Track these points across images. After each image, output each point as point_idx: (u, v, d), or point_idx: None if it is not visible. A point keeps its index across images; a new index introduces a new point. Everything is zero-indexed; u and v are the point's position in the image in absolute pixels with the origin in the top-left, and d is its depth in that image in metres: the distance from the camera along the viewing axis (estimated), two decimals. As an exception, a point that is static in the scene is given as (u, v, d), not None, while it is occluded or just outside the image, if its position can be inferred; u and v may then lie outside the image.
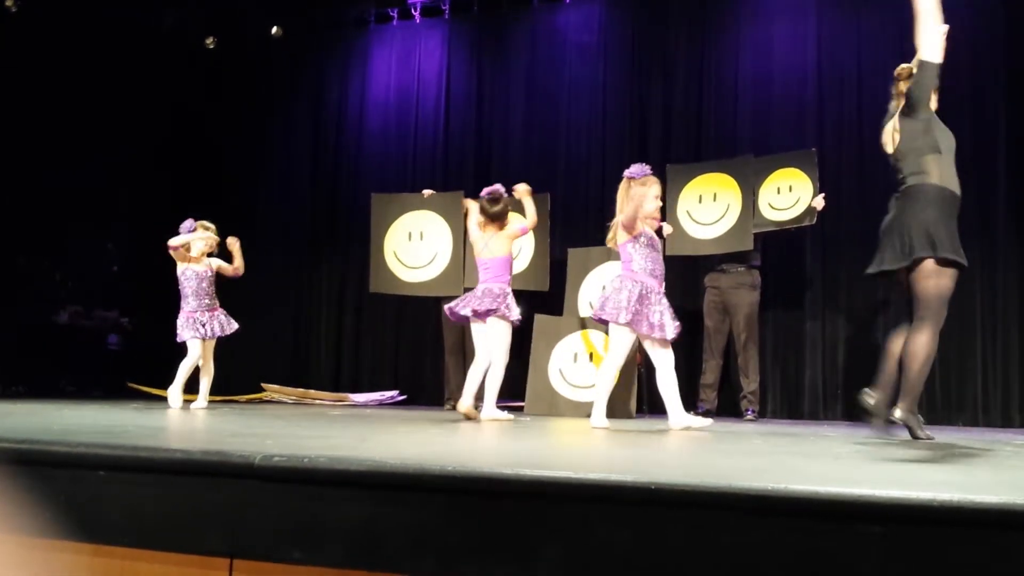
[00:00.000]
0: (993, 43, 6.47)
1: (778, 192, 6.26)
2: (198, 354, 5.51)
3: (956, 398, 6.36)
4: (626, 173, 4.41)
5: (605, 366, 4.37)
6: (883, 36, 6.80)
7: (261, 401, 7.35)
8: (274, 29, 8.52)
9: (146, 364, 7.83)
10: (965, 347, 6.27)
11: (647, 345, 4.28)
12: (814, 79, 7.04)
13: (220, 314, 5.63)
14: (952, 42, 5.53)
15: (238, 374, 8.05)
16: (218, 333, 5.57)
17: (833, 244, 6.76)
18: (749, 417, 6.10)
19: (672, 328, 4.22)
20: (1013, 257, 6.24)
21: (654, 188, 4.38)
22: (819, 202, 6.01)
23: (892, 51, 6.71)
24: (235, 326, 5.67)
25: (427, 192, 7.05)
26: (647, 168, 4.43)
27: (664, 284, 4.38)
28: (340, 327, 8.48)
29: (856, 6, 6.96)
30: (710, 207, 6.39)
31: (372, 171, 8.48)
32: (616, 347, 4.32)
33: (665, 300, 4.30)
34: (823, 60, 7.04)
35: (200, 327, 5.51)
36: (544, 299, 6.60)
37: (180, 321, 5.55)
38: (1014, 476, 2.13)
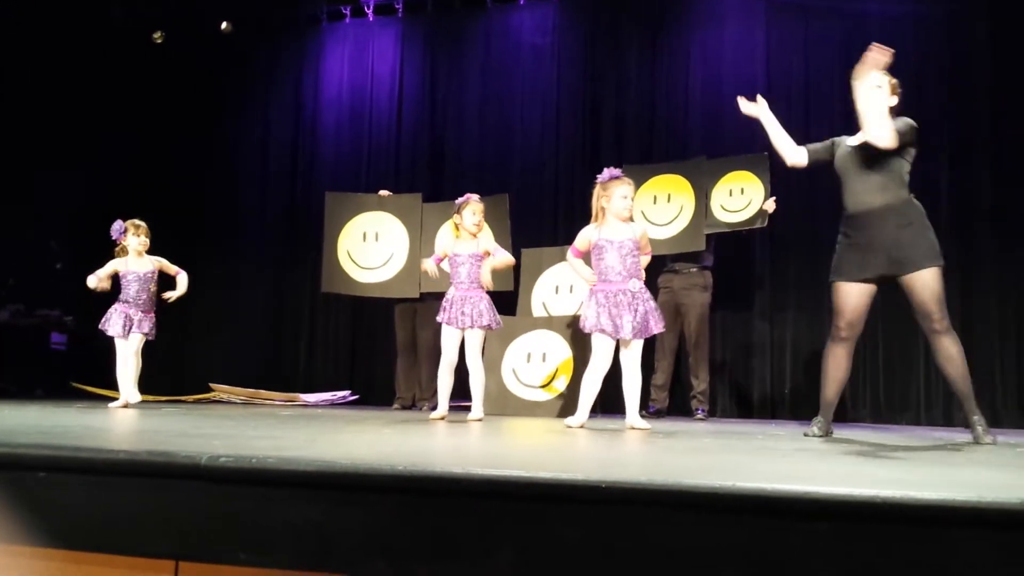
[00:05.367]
0: (974, 46, 6.61)
1: (730, 194, 6.35)
2: (127, 351, 5.47)
3: (900, 398, 6.51)
4: (598, 177, 4.47)
5: (588, 372, 4.39)
6: (829, 43, 6.94)
7: (209, 401, 7.24)
8: (224, 24, 8.39)
9: (90, 363, 7.66)
10: (908, 348, 6.41)
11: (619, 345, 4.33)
12: (763, 84, 7.13)
13: (151, 318, 5.56)
14: (933, 45, 5.65)
15: (188, 374, 7.93)
16: (142, 332, 5.48)
17: (782, 246, 6.87)
18: (699, 416, 6.16)
19: (630, 328, 4.26)
20: (952, 259, 6.37)
21: (619, 189, 4.40)
22: (770, 205, 6.10)
23: (838, 57, 6.88)
24: (153, 337, 5.60)
25: (384, 193, 7.00)
26: (614, 171, 4.46)
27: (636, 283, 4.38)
28: (293, 326, 8.39)
29: (804, 14, 7.08)
30: (664, 208, 6.45)
31: (325, 170, 8.41)
32: (595, 354, 4.35)
33: (640, 300, 4.30)
34: (772, 66, 7.16)
35: (128, 325, 5.42)
36: (497, 299, 6.59)
37: (109, 314, 5.49)
38: (955, 473, 2.18)
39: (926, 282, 3.71)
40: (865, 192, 3.83)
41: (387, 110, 8.35)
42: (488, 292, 5.07)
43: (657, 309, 4.40)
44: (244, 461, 1.86)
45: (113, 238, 5.52)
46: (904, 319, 3.87)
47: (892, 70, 3.91)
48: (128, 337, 5.44)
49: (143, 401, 5.44)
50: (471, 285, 4.97)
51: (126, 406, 5.32)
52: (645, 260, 4.57)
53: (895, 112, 3.97)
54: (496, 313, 5.02)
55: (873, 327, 6.46)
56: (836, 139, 4.12)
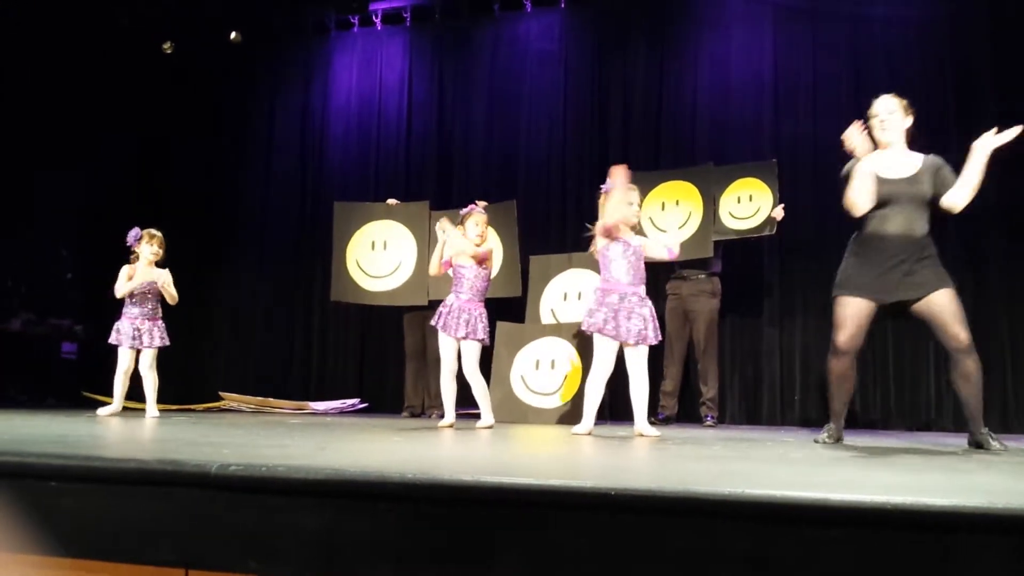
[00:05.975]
0: (976, 48, 6.58)
1: (738, 201, 6.34)
2: (129, 364, 5.46)
3: (910, 404, 6.47)
4: (603, 187, 4.48)
5: (591, 376, 4.37)
6: (837, 47, 6.93)
7: (219, 410, 7.25)
8: (233, 34, 8.43)
9: (100, 372, 7.68)
10: (918, 353, 6.39)
11: (625, 351, 4.32)
12: (770, 90, 7.13)
13: (160, 325, 5.57)
14: (936, 46, 5.55)
15: (196, 382, 7.94)
16: (155, 344, 5.50)
17: (790, 252, 6.85)
18: (708, 423, 6.15)
19: (644, 335, 4.27)
20: (960, 263, 6.35)
21: (628, 195, 4.41)
22: (779, 212, 6.09)
23: (846, 62, 6.87)
24: (167, 342, 5.59)
25: (391, 201, 7.02)
26: None
27: (643, 289, 4.41)
28: (303, 335, 8.40)
29: (811, 18, 7.06)
30: (672, 214, 6.46)
31: (334, 178, 8.43)
32: (598, 357, 4.32)
33: (646, 306, 4.34)
34: (779, 71, 7.15)
35: (137, 336, 5.44)
36: (506, 306, 6.60)
37: (118, 325, 5.49)
38: (965, 479, 2.17)
39: (944, 304, 3.70)
40: (899, 222, 3.79)
41: (395, 118, 8.36)
42: (492, 297, 5.07)
43: (655, 319, 4.38)
44: (254, 469, 1.86)
45: (128, 244, 5.55)
46: (915, 325, 3.85)
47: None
48: (141, 351, 5.45)
49: (130, 409, 5.45)
50: (471, 296, 4.97)
51: (144, 413, 5.34)
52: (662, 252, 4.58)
53: (910, 134, 3.94)
54: (487, 330, 5.00)
55: (884, 333, 6.44)
56: (860, 163, 3.82)
